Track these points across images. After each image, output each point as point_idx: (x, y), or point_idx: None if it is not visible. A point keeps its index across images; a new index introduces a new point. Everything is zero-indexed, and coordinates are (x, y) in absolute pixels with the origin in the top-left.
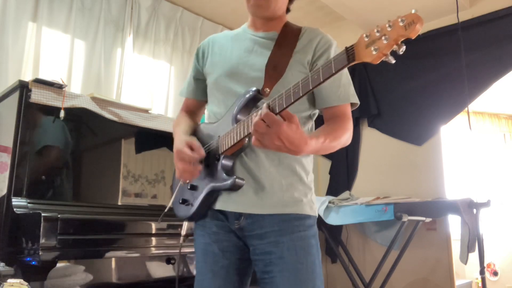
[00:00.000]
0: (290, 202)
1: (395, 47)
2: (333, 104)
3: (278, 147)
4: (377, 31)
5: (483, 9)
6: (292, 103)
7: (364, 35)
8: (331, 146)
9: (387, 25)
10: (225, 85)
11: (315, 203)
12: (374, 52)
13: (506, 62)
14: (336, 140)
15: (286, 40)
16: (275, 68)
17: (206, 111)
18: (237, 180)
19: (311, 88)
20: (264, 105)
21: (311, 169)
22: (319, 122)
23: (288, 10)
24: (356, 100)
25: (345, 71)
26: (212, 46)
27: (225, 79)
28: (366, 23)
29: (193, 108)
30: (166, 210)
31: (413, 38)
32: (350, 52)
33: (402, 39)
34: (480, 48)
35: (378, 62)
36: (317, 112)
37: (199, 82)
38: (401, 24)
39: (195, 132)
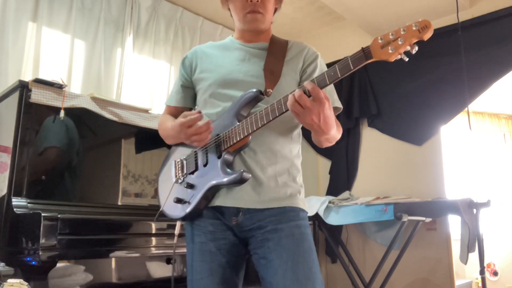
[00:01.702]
0: (285, 197)
1: (408, 48)
2: None
3: (312, 124)
4: (391, 34)
5: (483, 9)
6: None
7: (379, 38)
8: (336, 137)
9: (401, 30)
10: (221, 91)
11: (307, 203)
12: (390, 51)
13: (506, 62)
14: (338, 133)
15: (276, 49)
16: (272, 73)
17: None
18: (244, 173)
19: (328, 83)
20: (308, 81)
21: (301, 170)
22: None
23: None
24: (339, 105)
25: None
26: (200, 55)
27: (221, 84)
28: (366, 23)
29: (178, 114)
30: (161, 209)
31: (425, 40)
32: (366, 51)
33: (416, 41)
34: (480, 48)
35: (393, 60)
36: None
37: (188, 90)
38: (414, 28)
39: None
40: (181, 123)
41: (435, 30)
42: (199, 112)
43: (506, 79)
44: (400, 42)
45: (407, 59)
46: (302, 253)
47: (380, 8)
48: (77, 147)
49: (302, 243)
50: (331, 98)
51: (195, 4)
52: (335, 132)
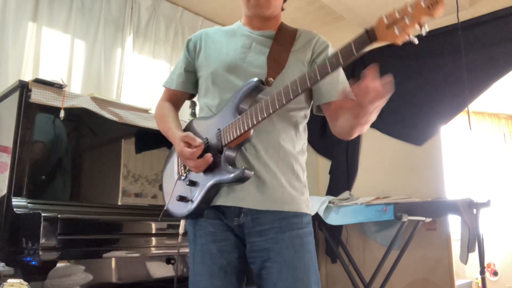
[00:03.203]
0: (289, 200)
1: (417, 28)
2: (334, 99)
3: (371, 118)
4: (398, 13)
5: (483, 9)
6: (308, 88)
7: (384, 17)
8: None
9: (408, 7)
10: (224, 79)
11: (310, 202)
12: (397, 32)
13: (506, 62)
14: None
15: (284, 38)
16: (276, 62)
17: (198, 104)
18: (246, 171)
19: (329, 71)
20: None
21: (305, 168)
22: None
23: (282, 9)
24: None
25: (341, 70)
26: (205, 39)
27: (224, 72)
28: (366, 23)
29: (177, 100)
30: (165, 208)
31: (436, 18)
32: (370, 33)
33: (425, 19)
34: (480, 48)
35: (401, 43)
36: (309, 112)
37: (190, 75)
38: (423, 5)
39: (188, 127)
40: (180, 152)
41: (435, 30)
42: (200, 144)
43: (506, 79)
44: (407, 22)
45: (417, 42)
46: (302, 267)
47: (380, 8)
48: (77, 147)
49: (302, 255)
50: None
51: (195, 4)
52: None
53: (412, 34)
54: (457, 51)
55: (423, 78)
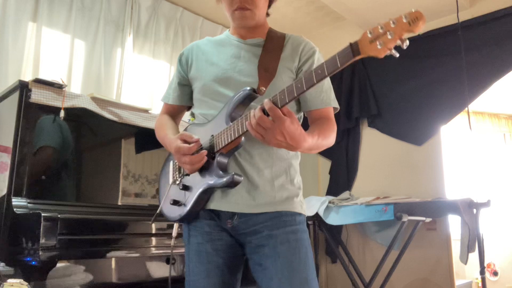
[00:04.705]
0: (282, 201)
1: (399, 42)
2: (317, 107)
3: (279, 143)
4: (381, 28)
5: (483, 9)
6: (295, 97)
7: (368, 32)
8: (322, 144)
9: (390, 22)
10: (215, 90)
11: (305, 204)
12: (379, 47)
13: (506, 62)
14: (326, 139)
15: (273, 45)
16: (266, 70)
17: (195, 114)
18: (235, 176)
19: (315, 82)
20: (266, 100)
21: (299, 171)
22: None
23: (267, 14)
24: (336, 104)
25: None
26: (196, 52)
27: (215, 84)
28: (366, 23)
29: (176, 113)
30: (158, 211)
31: (416, 33)
32: (354, 47)
33: (406, 34)
34: (480, 48)
35: (383, 56)
36: (302, 116)
37: (185, 88)
38: (404, 20)
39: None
40: (176, 148)
41: (435, 30)
42: (197, 140)
43: (506, 79)
44: (389, 37)
45: (397, 55)
46: (297, 261)
47: (380, 8)
48: (77, 147)
49: (298, 250)
50: (328, 98)
51: (195, 4)
52: (313, 143)
53: (393, 48)
54: (457, 51)
55: (423, 78)
